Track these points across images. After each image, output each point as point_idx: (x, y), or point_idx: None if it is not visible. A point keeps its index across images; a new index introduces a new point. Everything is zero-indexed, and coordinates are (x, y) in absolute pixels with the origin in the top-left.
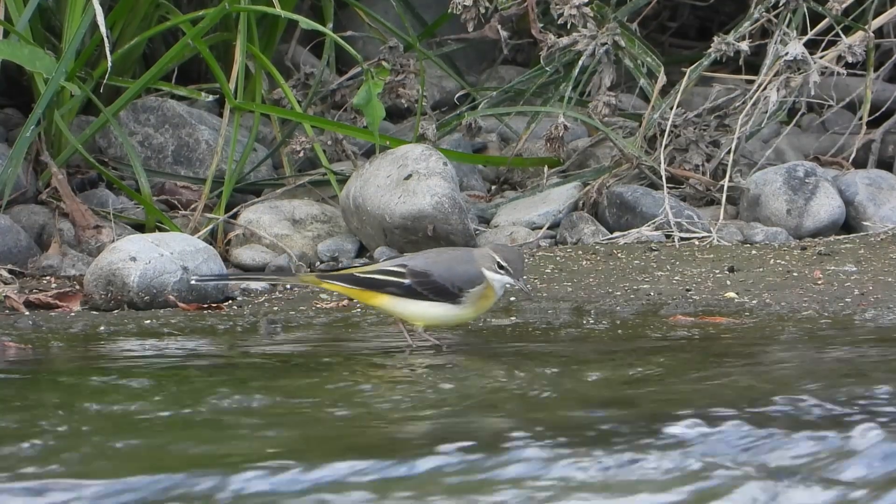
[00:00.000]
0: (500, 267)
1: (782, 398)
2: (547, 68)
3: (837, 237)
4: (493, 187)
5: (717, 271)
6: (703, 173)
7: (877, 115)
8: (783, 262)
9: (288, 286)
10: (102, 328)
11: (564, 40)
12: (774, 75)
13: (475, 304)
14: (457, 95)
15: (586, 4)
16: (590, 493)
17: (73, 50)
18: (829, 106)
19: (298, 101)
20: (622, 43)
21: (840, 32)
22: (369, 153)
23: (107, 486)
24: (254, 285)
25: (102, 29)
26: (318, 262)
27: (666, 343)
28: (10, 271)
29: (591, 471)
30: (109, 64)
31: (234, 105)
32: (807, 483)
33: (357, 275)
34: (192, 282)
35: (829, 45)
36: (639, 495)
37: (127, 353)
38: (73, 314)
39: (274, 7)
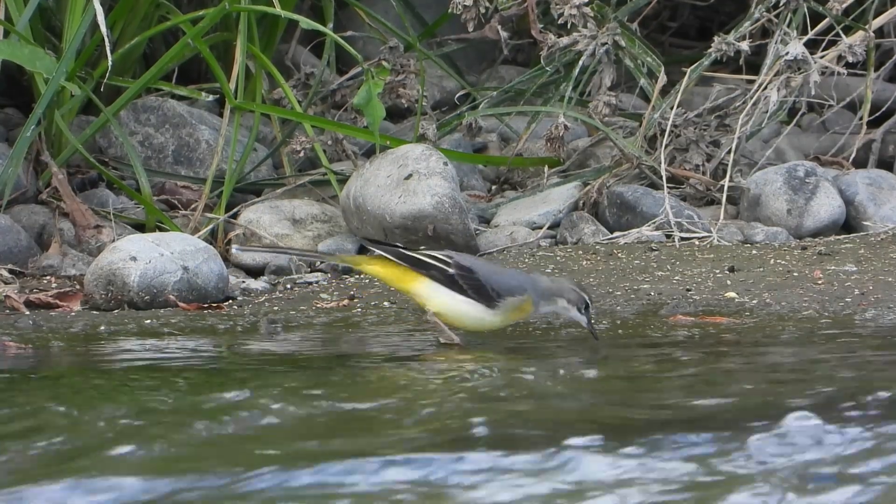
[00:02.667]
0: (586, 308)
1: (783, 398)
2: (547, 68)
3: (838, 237)
4: (494, 187)
5: (718, 271)
6: (704, 173)
7: (877, 114)
8: (783, 262)
9: (289, 286)
10: (103, 328)
11: (564, 40)
12: (775, 75)
13: (507, 314)
14: (457, 95)
15: (586, 4)
16: (589, 495)
17: (74, 50)
18: (830, 106)
19: (298, 101)
20: (622, 43)
21: (840, 32)
22: (369, 153)
23: (107, 485)
24: (256, 281)
25: (103, 28)
26: (319, 262)
27: (666, 343)
28: (11, 271)
29: (588, 472)
30: (110, 64)
31: (234, 105)
32: (812, 484)
33: (403, 251)
34: (234, 251)
35: (830, 44)
36: (644, 496)
37: (127, 353)
38: (73, 314)
39: (274, 7)
